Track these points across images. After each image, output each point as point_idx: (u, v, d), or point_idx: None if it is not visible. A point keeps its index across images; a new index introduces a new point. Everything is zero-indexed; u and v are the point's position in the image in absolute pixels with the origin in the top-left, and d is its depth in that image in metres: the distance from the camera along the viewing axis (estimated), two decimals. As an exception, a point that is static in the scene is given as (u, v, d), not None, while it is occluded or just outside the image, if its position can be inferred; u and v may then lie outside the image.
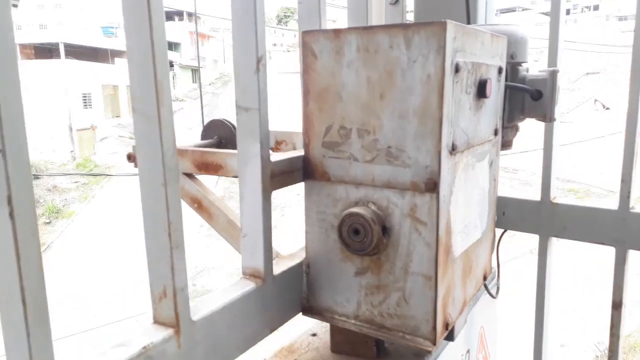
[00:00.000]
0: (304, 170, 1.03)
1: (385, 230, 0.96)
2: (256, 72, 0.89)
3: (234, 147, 1.47)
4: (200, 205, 1.17)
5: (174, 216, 0.74)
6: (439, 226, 0.91)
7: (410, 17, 1.41)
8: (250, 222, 0.95)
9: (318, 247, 1.04)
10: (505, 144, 1.31)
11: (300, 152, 1.05)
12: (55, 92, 25.34)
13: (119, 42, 30.95)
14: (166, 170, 0.73)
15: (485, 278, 1.24)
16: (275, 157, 0.98)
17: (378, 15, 1.36)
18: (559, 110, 1.24)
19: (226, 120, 1.47)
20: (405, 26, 0.87)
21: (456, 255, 1.01)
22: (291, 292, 1.05)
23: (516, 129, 1.32)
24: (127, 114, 30.15)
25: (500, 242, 1.59)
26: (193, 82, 38.62)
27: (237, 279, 0.96)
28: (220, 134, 1.46)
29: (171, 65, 35.27)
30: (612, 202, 1.45)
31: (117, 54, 30.28)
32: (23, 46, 26.88)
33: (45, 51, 28.07)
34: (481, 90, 1.00)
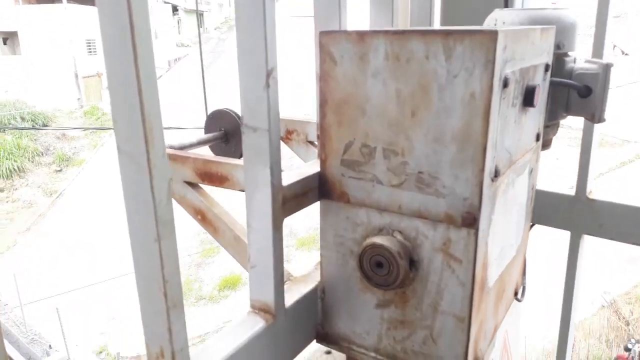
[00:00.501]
0: (320, 188, 0.91)
1: (413, 263, 0.84)
2: (265, 88, 0.75)
3: (239, 139, 1.34)
4: (204, 218, 1.06)
5: (170, 273, 0.63)
6: (476, 263, 0.79)
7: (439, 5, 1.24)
8: (260, 254, 0.84)
9: (335, 273, 0.94)
10: (544, 144, 1.17)
11: (315, 168, 0.92)
12: (59, 39, 24.78)
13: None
14: (159, 223, 0.61)
15: (516, 293, 1.14)
16: (287, 178, 0.86)
17: (403, 5, 1.19)
18: (608, 108, 1.09)
19: (230, 110, 1.33)
20: (445, 33, 0.72)
21: (490, 286, 0.90)
22: (305, 320, 0.96)
23: (557, 126, 1.17)
24: (132, 61, 29.59)
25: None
26: (199, 27, 37.63)
27: (245, 315, 0.86)
28: (224, 126, 1.33)
29: (175, 9, 34.27)
30: (657, 203, 1.32)
31: None
32: (23, -10, 26.05)
33: (46, -5, 27.23)
34: (528, 99, 0.86)
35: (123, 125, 0.59)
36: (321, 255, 0.95)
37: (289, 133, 1.43)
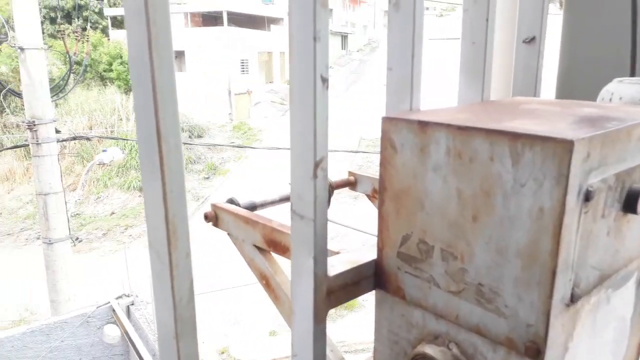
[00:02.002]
0: (376, 277, 0.85)
1: (469, 382, 0.74)
2: (313, 178, 0.71)
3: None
4: (268, 284, 1.05)
5: (186, 374, 0.62)
6: (541, 401, 0.67)
7: (549, 61, 1.09)
8: (301, 344, 0.80)
9: (388, 370, 0.86)
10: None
11: (370, 255, 0.86)
12: (218, 58, 27.39)
13: (275, 10, 32.22)
14: (178, 321, 0.61)
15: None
16: (336, 266, 0.81)
17: (507, 57, 1.07)
18: None
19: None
20: (513, 135, 0.62)
21: (569, 420, 0.76)
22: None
23: None
24: (279, 80, 31.63)
25: None
26: (342, 49, 38.93)
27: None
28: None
29: (322, 32, 35.83)
30: None
31: (273, 20, 31.62)
32: (193, 14, 29.35)
33: (211, 19, 30.33)
34: (630, 206, 0.71)
35: (152, 224, 0.60)
36: (375, 347, 0.88)
37: (375, 191, 1.38)
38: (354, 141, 22.89)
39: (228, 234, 1.14)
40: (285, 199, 1.27)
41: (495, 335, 0.69)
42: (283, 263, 1.13)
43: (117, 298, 7.37)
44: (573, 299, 0.66)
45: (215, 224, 1.16)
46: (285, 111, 28.88)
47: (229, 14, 28.41)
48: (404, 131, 0.75)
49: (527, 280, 0.64)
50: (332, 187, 1.33)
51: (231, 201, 1.19)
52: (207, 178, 25.10)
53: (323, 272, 0.77)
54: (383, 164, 0.79)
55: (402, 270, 0.80)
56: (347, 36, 39.43)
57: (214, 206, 1.16)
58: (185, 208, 0.59)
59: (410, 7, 0.80)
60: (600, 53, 1.12)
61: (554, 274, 0.61)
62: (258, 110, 29.11)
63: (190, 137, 26.96)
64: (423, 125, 0.72)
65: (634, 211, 0.71)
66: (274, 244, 1.01)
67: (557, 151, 0.58)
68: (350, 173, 1.42)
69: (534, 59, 1.08)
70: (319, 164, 0.72)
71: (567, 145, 0.57)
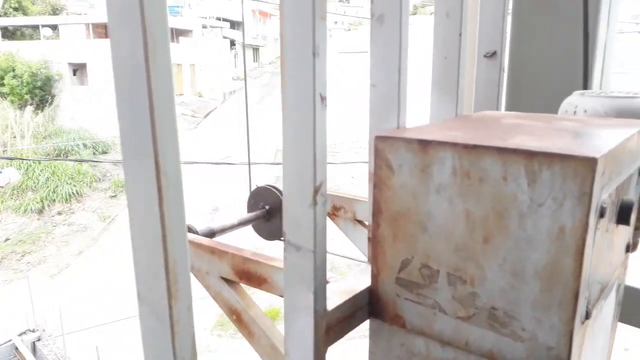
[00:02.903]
0: (370, 305, 0.79)
1: (480, 410, 0.70)
2: (312, 206, 0.65)
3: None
4: (239, 319, 0.96)
5: None
6: None
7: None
8: (299, 387, 0.73)
9: (386, 404, 0.81)
10: (633, 246, 1.01)
11: (363, 282, 0.80)
12: (123, 71, 26.00)
13: (183, 21, 31.40)
14: (181, 385, 0.51)
15: None
16: (333, 298, 0.75)
17: (469, 73, 1.08)
18: None
19: (273, 187, 1.25)
20: (529, 153, 0.60)
21: None
22: None
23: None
24: (189, 92, 30.80)
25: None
26: (254, 61, 38.76)
27: None
28: (267, 202, 1.24)
29: (233, 44, 35.53)
30: None
31: (181, 32, 30.78)
32: (95, 25, 27.77)
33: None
34: (623, 217, 0.72)
35: (143, 271, 0.50)
36: (370, 380, 0.82)
37: (335, 209, 1.33)
38: (270, 153, 22.79)
39: (189, 266, 1.03)
40: (245, 222, 1.19)
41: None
42: (252, 294, 1.04)
43: (20, 334, 6.67)
44: (587, 316, 0.65)
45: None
46: (198, 124, 28.18)
47: (134, 24, 27.17)
48: (401, 151, 0.70)
49: (547, 302, 0.62)
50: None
51: (187, 229, 1.09)
52: (114, 196, 23.71)
53: (323, 307, 0.71)
54: (378, 185, 0.74)
55: (401, 297, 0.75)
56: (258, 49, 39.36)
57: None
58: (187, 251, 0.50)
59: (395, 20, 0.76)
60: (550, 64, 1.16)
61: (576, 294, 0.60)
62: (168, 124, 28.05)
63: (94, 153, 25.41)
64: (424, 144, 0.68)
65: (627, 222, 0.72)
66: (247, 275, 0.93)
67: (579, 170, 0.57)
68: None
69: (495, 72, 1.10)
70: (318, 190, 0.65)
71: (590, 164, 0.56)
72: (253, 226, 1.28)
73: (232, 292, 0.97)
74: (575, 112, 0.97)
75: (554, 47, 1.15)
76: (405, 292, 0.75)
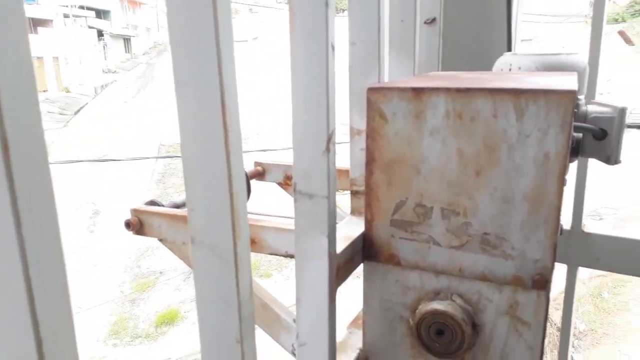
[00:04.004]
0: (364, 250, 0.85)
1: (475, 327, 0.80)
2: (325, 153, 0.68)
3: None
4: (225, 285, 0.96)
5: (255, 381, 0.54)
6: (545, 325, 0.76)
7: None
8: (312, 330, 0.76)
9: (381, 340, 0.87)
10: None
11: (356, 229, 0.86)
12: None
13: (41, 10, 28.48)
14: (243, 321, 0.52)
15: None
16: (338, 244, 0.79)
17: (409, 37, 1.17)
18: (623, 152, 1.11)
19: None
20: (516, 92, 0.69)
21: (542, 342, 0.87)
22: (350, 394, 0.88)
23: (568, 168, 1.18)
24: (55, 88, 28.18)
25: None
26: (126, 52, 36.47)
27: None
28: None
29: (101, 34, 33.09)
30: None
31: (40, 22, 27.92)
32: None
33: (-44, 19, 25.32)
34: (576, 151, 0.85)
35: (203, 213, 0.50)
36: (364, 321, 0.88)
37: (287, 179, 1.36)
38: (153, 148, 21.71)
39: (160, 240, 1.00)
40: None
41: (502, 277, 0.76)
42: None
43: None
44: (561, 232, 0.76)
45: (140, 232, 1.00)
46: (68, 121, 25.88)
47: (-19, 13, 24.12)
48: (395, 100, 0.76)
49: (534, 221, 0.72)
50: (248, 178, 1.27)
51: (152, 203, 1.05)
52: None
53: (334, 250, 0.74)
54: (371, 136, 0.79)
55: (395, 237, 0.82)
56: (130, 39, 37.05)
57: (135, 211, 1.00)
58: (245, 188, 0.51)
59: (373, -20, 0.81)
60: (478, 31, 1.30)
61: (559, 210, 0.70)
62: (33, 123, 25.42)
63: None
64: (418, 91, 0.75)
65: (577, 155, 0.85)
66: (232, 239, 0.93)
67: (562, 101, 0.67)
68: (257, 163, 1.37)
69: (435, 38, 1.20)
70: (331, 137, 0.69)
71: (570, 95, 0.66)
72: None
73: (214, 259, 0.96)
74: (510, 69, 1.10)
75: (481, 15, 1.28)
76: (399, 232, 0.81)
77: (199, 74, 0.45)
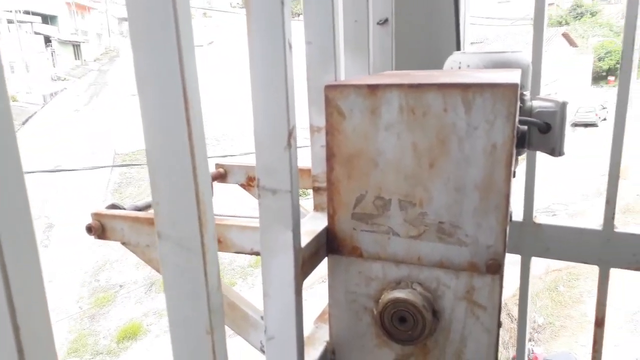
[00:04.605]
0: (328, 243, 0.87)
1: (435, 313, 0.83)
2: (287, 148, 0.70)
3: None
4: (190, 285, 0.96)
5: (224, 371, 0.56)
6: (500, 308, 0.80)
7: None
8: (279, 324, 0.78)
9: (347, 332, 0.90)
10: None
11: (320, 224, 0.88)
12: None
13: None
14: (212, 312, 0.54)
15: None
16: (303, 238, 0.81)
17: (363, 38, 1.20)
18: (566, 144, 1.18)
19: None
20: (464, 86, 0.73)
21: (498, 324, 0.92)
22: (317, 385, 0.90)
23: (518, 161, 1.25)
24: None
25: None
26: (75, 59, 35.36)
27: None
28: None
29: (48, 40, 31.97)
30: (596, 223, 1.45)
31: (-19, 28, 26.69)
32: None
33: None
34: (522, 142, 0.90)
35: (169, 207, 0.51)
36: (330, 313, 0.90)
37: (250, 180, 1.37)
38: (107, 157, 21.13)
39: (123, 244, 0.99)
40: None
41: (458, 264, 0.80)
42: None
43: None
44: (511, 218, 0.81)
45: (102, 236, 0.99)
46: (16, 132, 24.85)
47: None
48: (352, 96, 0.79)
49: (486, 208, 0.76)
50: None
51: (114, 206, 1.04)
52: None
53: (299, 244, 0.76)
54: (330, 132, 0.82)
55: (357, 229, 0.84)
56: (79, 45, 35.94)
57: (97, 215, 0.99)
58: (210, 182, 0.52)
59: (327, -19, 0.84)
60: (428, 31, 1.35)
61: (507, 198, 0.75)
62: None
63: None
64: (373, 88, 0.78)
65: (524, 146, 0.90)
66: (195, 239, 0.93)
67: (506, 94, 0.71)
68: (219, 165, 1.38)
69: (388, 39, 1.24)
70: (291, 133, 0.71)
71: (513, 88, 0.71)
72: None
73: (178, 260, 0.96)
74: (459, 67, 1.16)
75: (431, 16, 1.33)
76: (361, 225, 0.84)
77: (160, 70, 0.46)
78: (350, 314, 0.89)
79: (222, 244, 0.92)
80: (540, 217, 1.53)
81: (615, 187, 1.39)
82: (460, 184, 0.77)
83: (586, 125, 25.71)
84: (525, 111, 1.17)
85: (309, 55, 0.88)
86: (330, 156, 0.83)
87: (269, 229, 0.74)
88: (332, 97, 0.80)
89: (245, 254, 0.91)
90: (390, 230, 0.83)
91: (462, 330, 0.82)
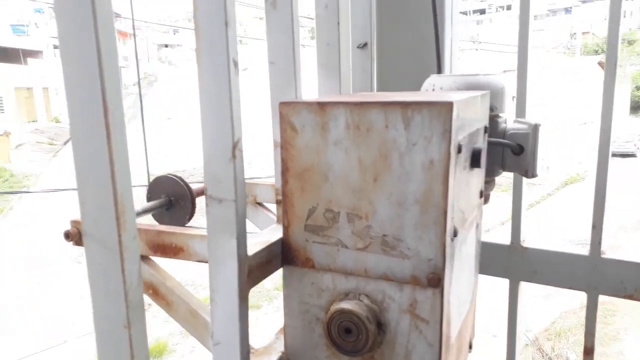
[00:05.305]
0: (283, 255, 0.90)
1: (381, 326, 0.85)
2: (232, 159, 0.74)
3: (187, 204, 1.30)
4: (156, 292, 1.00)
5: (143, 363, 0.59)
6: (443, 323, 0.81)
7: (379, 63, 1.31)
8: (224, 330, 0.81)
9: (300, 342, 0.92)
10: (485, 199, 1.24)
11: (277, 235, 0.91)
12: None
13: (31, 41, 28.80)
14: (130, 308, 0.58)
15: (470, 345, 1.17)
16: (252, 247, 0.84)
17: (345, 61, 1.25)
18: (540, 165, 1.19)
19: (173, 175, 1.30)
20: (404, 104, 0.76)
21: (452, 342, 0.93)
22: (271, 394, 0.92)
23: (494, 182, 1.25)
24: (44, 118, 28.26)
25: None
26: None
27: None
28: (168, 192, 1.29)
29: (92, 65, 33.32)
30: (583, 249, 1.43)
31: (29, 53, 28.19)
32: None
33: (-53, 51, 25.56)
34: (475, 161, 0.92)
35: (91, 207, 0.56)
36: (285, 324, 0.93)
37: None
38: (143, 178, 21.66)
39: (98, 250, 1.05)
40: (147, 210, 1.23)
41: (401, 276, 0.82)
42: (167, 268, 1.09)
43: None
44: (455, 234, 0.83)
45: (79, 243, 1.05)
46: (57, 152, 25.84)
47: (-29, 45, 24.38)
48: (303, 112, 0.83)
49: (425, 222, 0.78)
50: (193, 196, 1.33)
51: (93, 216, 1.10)
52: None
53: (244, 252, 0.80)
54: (285, 147, 0.86)
55: (310, 241, 0.87)
56: (119, 70, 37.39)
57: (75, 222, 1.05)
58: (131, 186, 0.57)
59: (287, 4, 0.90)
60: (410, 54, 1.38)
61: (445, 213, 0.77)
62: (21, 153, 25.43)
63: None
64: (322, 105, 0.82)
65: (478, 165, 0.92)
66: (162, 248, 0.98)
67: (442, 112, 0.74)
68: (206, 180, 1.43)
69: (367, 61, 1.28)
70: (236, 145, 0.75)
71: (449, 106, 0.74)
72: (153, 216, 1.32)
73: (147, 268, 1.01)
74: (433, 89, 1.19)
75: (411, 40, 1.37)
76: (313, 236, 0.87)
77: (81, 78, 0.52)
78: (304, 324, 0.91)
79: (185, 253, 0.97)
80: (528, 241, 1.52)
81: (602, 212, 1.38)
82: (401, 198, 0.79)
83: (624, 155, 24.98)
84: (499, 133, 1.19)
85: (271, 74, 0.93)
86: (284, 170, 0.87)
87: (215, 236, 0.78)
88: (286, 113, 0.84)
89: (206, 262, 0.95)
90: (340, 242, 0.85)
91: (407, 344, 0.83)
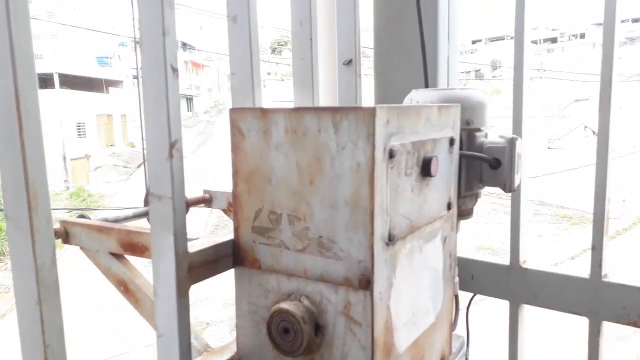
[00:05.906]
0: (234, 255, 0.94)
1: (319, 327, 0.85)
2: (169, 159, 0.80)
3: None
4: (126, 289, 1.07)
5: (52, 338, 0.64)
6: (375, 327, 0.81)
7: (367, 80, 1.34)
8: (166, 322, 0.85)
9: (250, 342, 0.94)
10: (465, 213, 1.22)
11: (229, 236, 0.95)
12: (50, 122, 25.29)
13: (113, 72, 31.11)
14: (42, 286, 0.63)
15: (444, 362, 1.14)
16: (196, 245, 0.89)
17: (331, 78, 1.29)
18: (520, 178, 1.15)
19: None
20: (334, 110, 0.79)
21: (401, 351, 0.91)
22: (221, 392, 0.94)
23: (476, 196, 1.23)
24: (121, 143, 30.16)
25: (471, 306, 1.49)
26: (188, 111, 38.77)
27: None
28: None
29: (166, 94, 35.33)
30: (583, 270, 1.36)
31: (111, 83, 30.43)
32: (18, 76, 26.88)
33: (40, 81, 28.17)
34: (425, 169, 0.92)
35: (9, 192, 0.62)
36: (236, 324, 0.95)
37: (230, 205, 1.47)
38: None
39: (81, 248, 1.13)
40: (140, 215, 1.30)
41: (336, 278, 0.83)
42: (140, 267, 1.15)
43: None
44: (390, 239, 0.83)
45: (66, 241, 1.14)
46: (130, 174, 27.41)
47: (61, 75, 26.68)
48: (249, 118, 0.88)
49: (355, 224, 0.79)
50: (188, 204, 1.39)
51: (82, 216, 1.19)
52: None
53: (183, 248, 0.84)
54: (234, 150, 0.90)
55: (257, 242, 0.90)
56: (192, 98, 39.46)
57: (63, 222, 1.14)
58: (46, 173, 0.63)
59: (246, 19, 0.95)
60: (403, 71, 1.40)
61: (372, 214, 0.78)
62: (99, 175, 27.21)
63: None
64: (264, 111, 0.86)
65: (429, 174, 0.92)
66: (132, 246, 1.04)
67: (365, 117, 0.76)
68: (205, 191, 1.50)
69: (352, 78, 1.31)
70: (174, 145, 0.81)
71: (372, 111, 0.76)
72: (148, 219, 1.40)
73: (120, 265, 1.07)
74: (411, 102, 1.19)
75: (407, 56, 1.39)
76: (259, 238, 0.90)
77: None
78: (252, 325, 0.93)
79: (150, 251, 1.02)
80: (529, 262, 1.46)
81: (602, 232, 1.30)
82: (333, 200, 0.81)
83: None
84: (476, 147, 1.17)
85: (232, 84, 0.99)
86: (234, 173, 0.91)
87: (156, 232, 0.84)
88: (234, 118, 0.89)
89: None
90: (282, 244, 0.88)
91: (343, 346, 0.83)
